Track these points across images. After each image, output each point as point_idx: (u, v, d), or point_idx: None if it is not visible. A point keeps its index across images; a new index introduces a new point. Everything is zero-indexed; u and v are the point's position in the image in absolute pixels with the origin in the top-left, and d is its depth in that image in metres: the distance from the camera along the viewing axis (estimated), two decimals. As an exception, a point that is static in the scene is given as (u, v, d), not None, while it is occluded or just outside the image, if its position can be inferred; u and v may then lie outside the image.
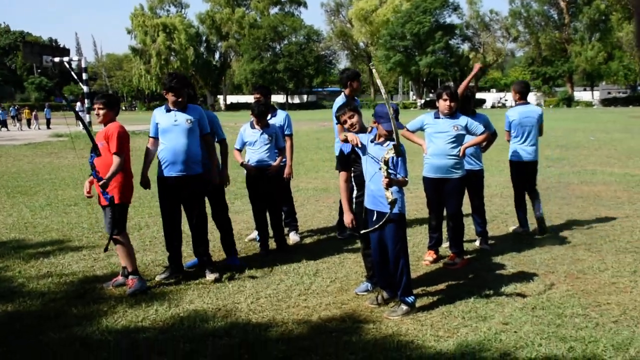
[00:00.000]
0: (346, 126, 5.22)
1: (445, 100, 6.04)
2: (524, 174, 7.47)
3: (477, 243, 6.94)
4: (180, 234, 6.08)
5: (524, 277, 5.75)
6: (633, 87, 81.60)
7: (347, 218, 5.21)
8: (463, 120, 6.09)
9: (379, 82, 4.45)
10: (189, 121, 5.72)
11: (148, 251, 6.97)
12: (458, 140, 6.07)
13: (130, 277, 5.53)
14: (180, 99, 5.74)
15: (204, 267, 6.02)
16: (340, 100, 6.74)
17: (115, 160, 5.31)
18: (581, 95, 78.45)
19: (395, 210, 4.72)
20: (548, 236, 7.31)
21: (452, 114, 6.09)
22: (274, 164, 6.78)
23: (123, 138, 5.40)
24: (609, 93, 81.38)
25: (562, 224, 7.99)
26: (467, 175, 6.34)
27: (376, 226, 4.82)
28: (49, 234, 7.93)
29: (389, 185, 4.59)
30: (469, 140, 6.24)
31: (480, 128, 6.13)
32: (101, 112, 5.46)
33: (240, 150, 6.92)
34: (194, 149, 5.76)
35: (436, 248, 6.46)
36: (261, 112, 6.74)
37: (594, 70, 74.40)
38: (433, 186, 6.23)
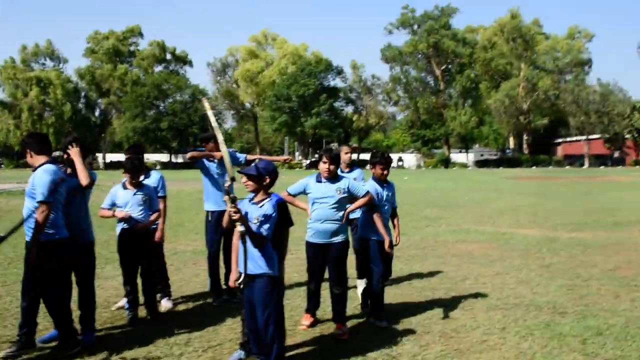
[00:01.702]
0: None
1: (325, 163, 5.93)
2: None
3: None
4: (35, 303, 5.43)
5: (401, 338, 5.72)
6: (502, 149, 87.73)
7: (232, 277, 4.89)
8: (345, 182, 6.02)
9: (209, 113, 4.46)
10: (28, 183, 5.23)
11: None
12: (341, 203, 5.96)
13: None
14: (27, 160, 5.34)
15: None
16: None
17: None
18: (457, 157, 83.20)
19: (265, 270, 4.58)
20: (425, 296, 7.39)
21: (333, 177, 6.02)
22: (151, 218, 6.45)
23: None
24: (482, 155, 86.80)
25: (438, 283, 8.13)
26: (370, 243, 6.25)
27: (240, 282, 4.65)
28: None
29: (237, 220, 4.43)
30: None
31: (363, 190, 6.07)
32: None
33: (109, 210, 6.50)
34: (30, 213, 5.18)
35: (314, 312, 6.30)
36: (134, 166, 6.38)
37: (467, 133, 79.62)
38: (316, 252, 6.04)
